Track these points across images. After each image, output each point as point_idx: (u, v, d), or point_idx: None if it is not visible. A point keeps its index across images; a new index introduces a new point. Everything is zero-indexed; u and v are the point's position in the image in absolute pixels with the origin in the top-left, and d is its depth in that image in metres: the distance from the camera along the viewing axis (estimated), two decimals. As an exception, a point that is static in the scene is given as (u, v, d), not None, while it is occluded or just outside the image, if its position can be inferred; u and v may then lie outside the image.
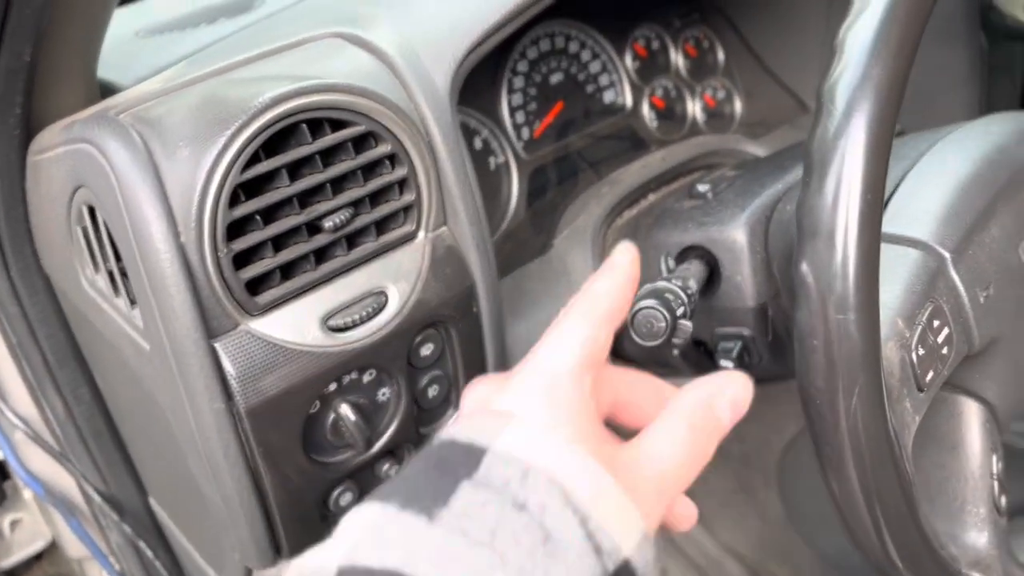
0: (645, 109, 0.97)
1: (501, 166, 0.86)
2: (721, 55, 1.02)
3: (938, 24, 0.92)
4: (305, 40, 0.62)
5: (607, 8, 0.94)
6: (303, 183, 0.53)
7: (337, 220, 0.54)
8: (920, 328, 0.53)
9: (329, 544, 0.36)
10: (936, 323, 0.54)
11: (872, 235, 0.45)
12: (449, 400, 0.64)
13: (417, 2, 0.63)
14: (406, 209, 0.58)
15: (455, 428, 0.39)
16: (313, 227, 0.55)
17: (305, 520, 0.59)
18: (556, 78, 0.91)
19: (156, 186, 0.49)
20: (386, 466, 0.62)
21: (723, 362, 0.72)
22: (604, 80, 0.95)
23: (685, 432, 0.42)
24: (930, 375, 0.53)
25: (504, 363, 0.68)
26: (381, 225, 0.58)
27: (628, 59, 0.96)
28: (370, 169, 0.57)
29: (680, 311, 0.57)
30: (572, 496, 0.36)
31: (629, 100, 0.95)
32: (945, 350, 0.54)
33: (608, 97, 0.95)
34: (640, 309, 0.56)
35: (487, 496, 0.35)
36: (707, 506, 1.48)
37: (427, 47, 0.60)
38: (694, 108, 1.00)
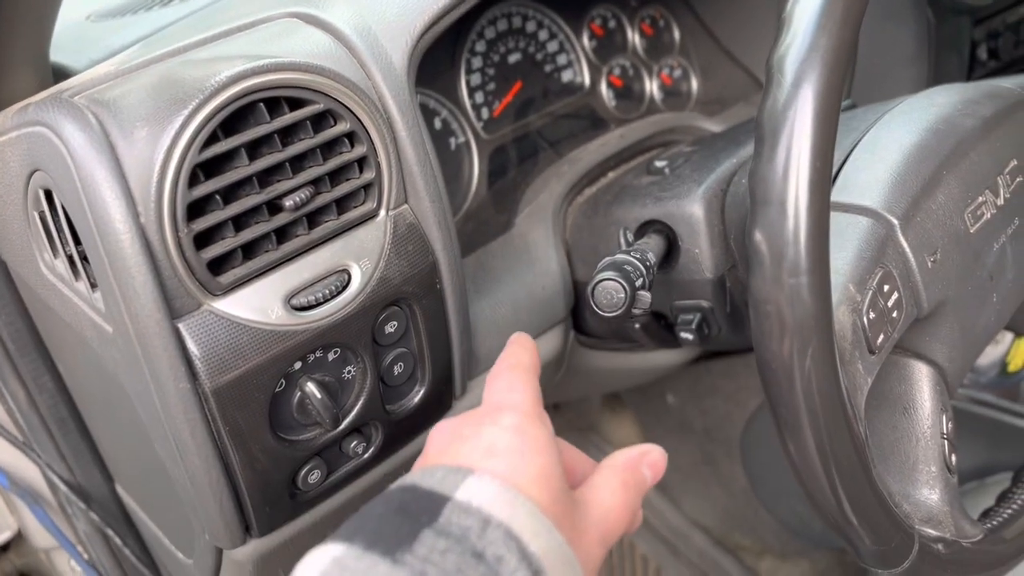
0: (603, 88, 0.97)
1: (461, 146, 0.87)
2: (677, 34, 1.04)
3: (886, 1, 0.94)
4: (261, 20, 0.62)
5: (562, -13, 0.94)
6: (262, 162, 0.53)
7: (297, 199, 0.54)
8: (871, 293, 0.54)
9: (300, 568, 0.38)
10: (886, 288, 0.55)
11: (822, 201, 0.47)
12: (415, 377, 0.65)
13: (375, -19, 0.63)
14: (366, 187, 0.59)
15: (417, 475, 0.41)
16: (273, 206, 0.55)
17: (274, 498, 0.60)
18: (514, 58, 0.91)
19: (114, 167, 0.49)
20: (353, 443, 0.63)
21: (683, 334, 0.74)
22: (562, 60, 0.95)
23: (619, 486, 0.46)
24: (881, 338, 0.55)
25: (468, 339, 0.68)
26: (342, 203, 0.58)
27: (585, 38, 0.97)
28: (329, 148, 0.57)
29: (639, 282, 0.59)
30: (527, 550, 0.38)
31: (587, 79, 0.96)
32: (895, 314, 0.56)
33: (566, 76, 0.96)
34: (600, 281, 0.57)
35: (448, 544, 0.37)
36: (672, 480, 1.51)
37: (383, 26, 0.61)
38: (651, 87, 1.01)
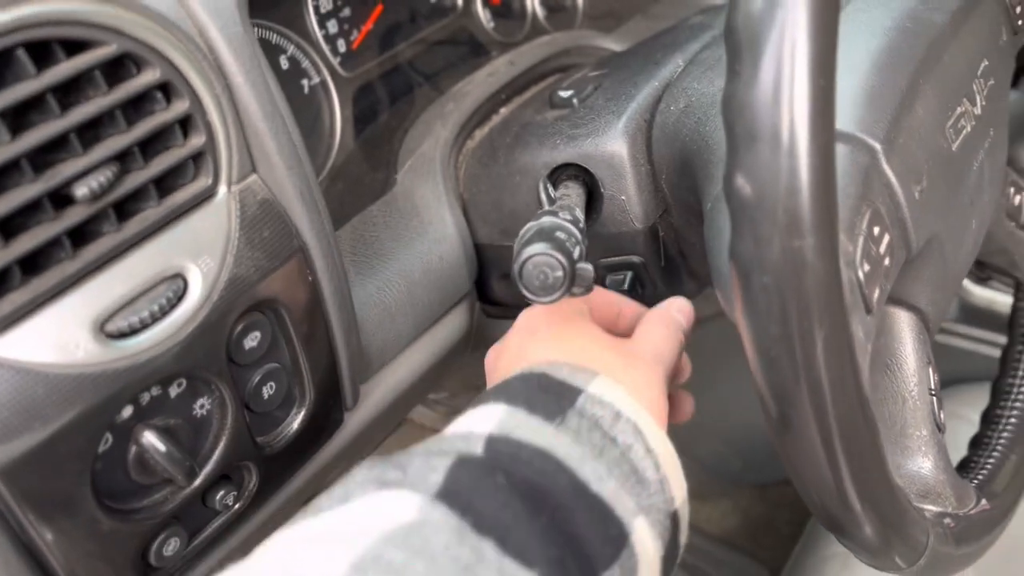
0: (479, 8, 0.82)
1: (316, 88, 0.70)
2: (556, -60, 0.89)
3: None
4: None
5: None
6: (32, 137, 0.36)
7: (94, 184, 0.38)
8: (862, 239, 0.43)
9: (472, 417, 0.42)
10: (876, 230, 0.45)
11: (827, 132, 0.35)
12: (292, 397, 0.50)
13: None
14: (196, 158, 0.43)
15: (542, 366, 0.43)
16: (62, 198, 0.38)
17: (118, 588, 0.44)
18: (370, -25, 0.75)
19: None
20: (220, 494, 0.48)
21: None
22: (427, -25, 0.79)
23: (663, 329, 0.50)
24: (877, 293, 0.44)
25: (355, 338, 0.54)
26: (164, 183, 0.42)
27: (453, -51, 0.81)
28: (136, 108, 0.41)
29: (577, 252, 0.46)
30: (649, 445, 0.42)
31: (459, -2, 0.81)
32: (887, 261, 0.45)
33: (434, -5, 0.80)
34: (529, 257, 0.44)
35: (589, 424, 0.41)
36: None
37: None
38: (533, 3, 0.87)
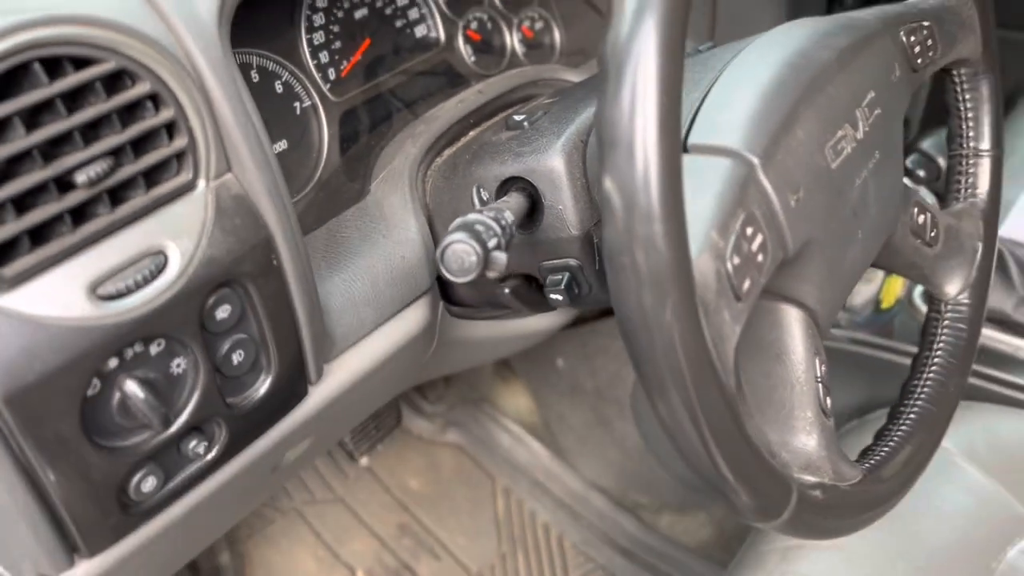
0: (460, 43, 0.92)
1: (308, 110, 0.80)
2: (536, -16, 0.99)
3: (743, -61, 0.92)
4: (45, -28, 0.54)
5: (409, -64, 0.88)
6: (43, 132, 0.46)
7: (92, 173, 0.47)
8: (734, 237, 0.51)
9: None
10: (749, 231, 0.52)
11: (672, 140, 0.43)
12: (259, 365, 0.59)
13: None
14: (179, 156, 0.52)
15: None
16: (66, 184, 0.48)
17: (101, 514, 0.53)
18: (360, 14, 0.85)
19: None
20: (192, 443, 0.56)
21: (552, 295, 0.70)
22: (413, 14, 0.89)
23: None
24: (747, 284, 0.52)
25: (319, 320, 0.63)
26: (151, 176, 0.51)
27: (438, -9, 0.91)
28: (131, 114, 0.50)
29: (492, 243, 0.54)
30: None
31: (442, 34, 0.91)
32: (760, 257, 0.53)
33: (420, 32, 0.90)
34: (449, 244, 0.53)
35: None
36: (568, 443, 1.49)
37: (188, -26, 0.54)
38: (512, 40, 0.96)
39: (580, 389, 1.41)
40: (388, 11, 0.87)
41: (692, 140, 0.56)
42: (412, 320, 0.73)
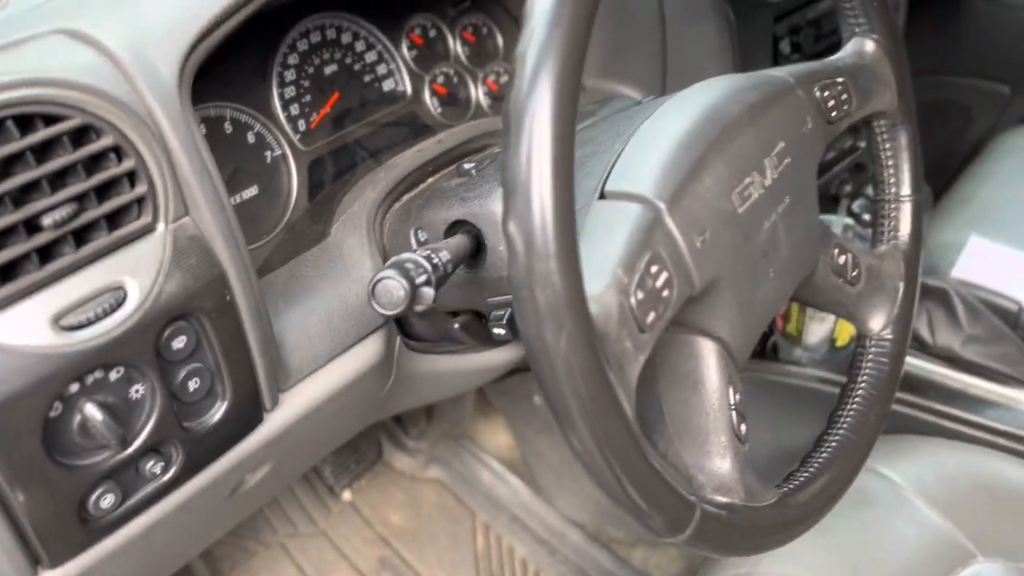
0: (427, 96, 0.99)
1: (278, 159, 0.86)
2: (500, 40, 1.06)
3: (688, 3, 0.98)
4: (27, 38, 0.60)
5: (379, 1, 0.95)
6: (13, 181, 0.52)
7: (57, 217, 0.53)
8: (639, 274, 0.56)
9: None
10: (654, 268, 0.57)
11: (564, 187, 0.48)
12: (214, 392, 0.64)
13: (143, -4, 0.63)
14: (140, 201, 0.58)
15: None
16: (34, 226, 0.54)
17: (62, 527, 0.58)
18: (330, 69, 0.92)
19: None
20: (150, 463, 0.61)
21: (496, 330, 0.75)
22: (382, 69, 0.96)
23: None
24: (651, 316, 0.57)
25: (272, 351, 0.68)
26: (114, 219, 0.57)
27: (405, 48, 0.98)
28: (97, 163, 0.56)
29: (421, 279, 0.59)
30: None
31: (409, 88, 0.97)
32: (666, 293, 0.58)
33: (387, 85, 0.96)
34: (379, 279, 0.58)
35: None
36: (546, 479, 1.53)
37: (152, 40, 0.60)
38: (477, 93, 1.03)
39: (553, 424, 1.45)
40: (357, 67, 0.94)
41: (608, 187, 0.62)
42: (366, 353, 0.78)
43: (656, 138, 0.64)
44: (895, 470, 1.03)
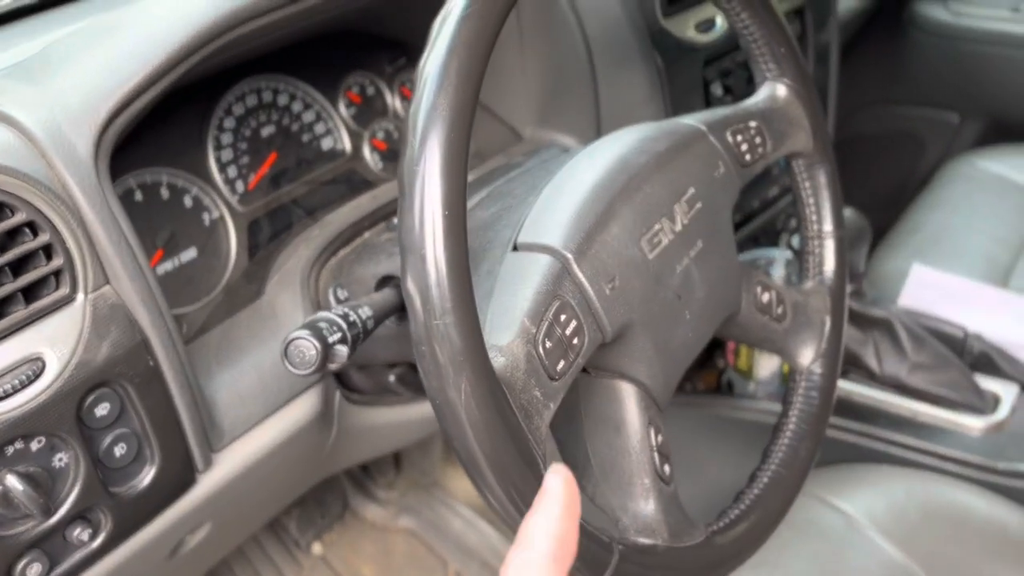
0: (367, 152, 1.01)
1: (216, 221, 0.88)
2: (439, 94, 1.08)
3: (616, 51, 1.01)
4: (-55, 119, 0.62)
5: (313, 61, 0.98)
6: (-76, 260, 0.53)
7: (-29, 293, 0.54)
8: (546, 324, 0.58)
9: None
10: (563, 317, 0.59)
11: (455, 245, 0.50)
12: (143, 456, 0.65)
13: (61, 72, 0.65)
14: (58, 273, 0.59)
15: None
16: (-51, 304, 0.55)
17: (-14, 599, 0.58)
18: (268, 131, 0.94)
19: None
20: (77, 531, 0.62)
21: (426, 381, 0.76)
22: (320, 128, 0.98)
23: None
24: (561, 364, 0.58)
25: (203, 412, 0.69)
26: (32, 292, 0.59)
27: (342, 107, 1.00)
28: (10, 238, 0.58)
29: (334, 337, 0.61)
30: None
31: (348, 145, 0.99)
32: (576, 340, 0.59)
33: (326, 144, 0.98)
34: (291, 340, 0.59)
35: None
36: (513, 525, 1.52)
37: (67, 116, 0.62)
38: (418, 146, 1.05)
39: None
40: (295, 127, 0.96)
41: (520, 239, 0.64)
42: (302, 409, 0.79)
43: (565, 190, 0.66)
44: (846, 500, 1.04)
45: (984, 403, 1.10)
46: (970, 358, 1.15)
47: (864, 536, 1.01)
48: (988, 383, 1.12)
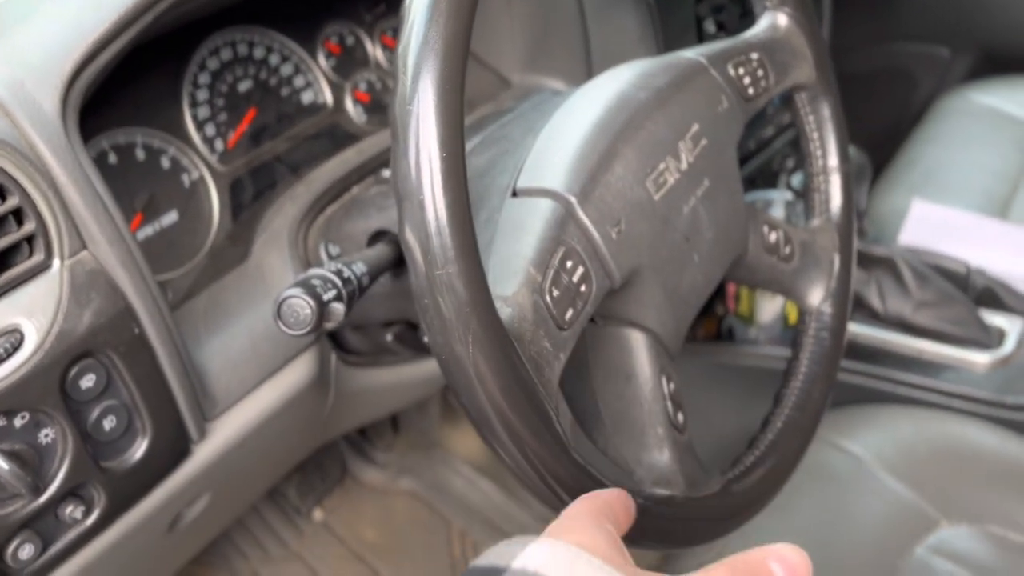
0: (349, 104, 0.97)
1: (196, 182, 0.84)
2: (422, 42, 1.04)
3: (606, -12, 0.97)
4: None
5: (289, 10, 0.93)
6: None
7: (-63, 264, 0.51)
8: (552, 271, 0.55)
9: None
10: (569, 264, 0.56)
11: (456, 188, 0.47)
12: (133, 429, 0.62)
13: (20, 29, 0.60)
14: (31, 239, 0.56)
15: (480, 556, 0.40)
16: (-85, 275, 0.51)
17: (-22, 584, 0.56)
18: (245, 85, 0.89)
19: None
20: (69, 508, 0.59)
21: (426, 337, 0.73)
22: (299, 81, 0.94)
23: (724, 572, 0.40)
24: (570, 313, 0.55)
25: (194, 381, 0.66)
26: (5, 259, 0.55)
27: (322, 58, 0.96)
28: (-22, 205, 0.54)
29: (329, 295, 0.58)
30: None
31: (329, 98, 0.95)
32: (583, 288, 0.56)
33: (306, 98, 0.94)
34: (284, 299, 0.56)
35: None
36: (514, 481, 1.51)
37: (29, 73, 0.58)
38: (402, 97, 1.01)
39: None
40: (273, 81, 0.92)
41: (519, 184, 0.60)
42: (297, 373, 0.76)
43: (564, 131, 0.63)
44: (854, 442, 1.02)
45: (990, 338, 1.09)
46: (974, 293, 1.14)
47: (874, 476, 0.99)
48: (993, 318, 1.11)
